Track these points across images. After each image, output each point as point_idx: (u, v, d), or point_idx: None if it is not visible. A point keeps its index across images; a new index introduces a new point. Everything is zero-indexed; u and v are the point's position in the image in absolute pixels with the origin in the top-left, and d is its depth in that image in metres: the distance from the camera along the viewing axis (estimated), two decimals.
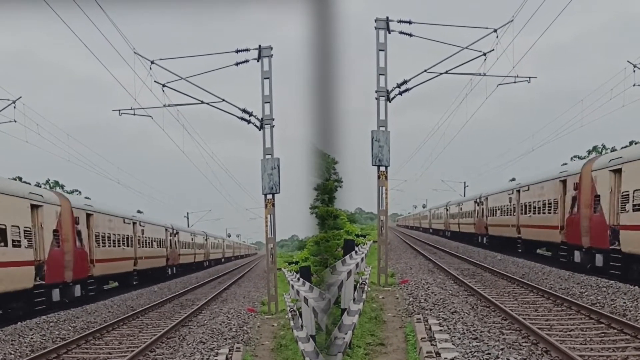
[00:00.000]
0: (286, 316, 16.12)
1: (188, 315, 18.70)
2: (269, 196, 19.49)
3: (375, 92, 20.89)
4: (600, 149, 56.96)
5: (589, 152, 58.02)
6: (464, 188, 72.20)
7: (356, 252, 25.08)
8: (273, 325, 16.68)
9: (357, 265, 19.05)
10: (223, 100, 20.18)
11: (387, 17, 20.50)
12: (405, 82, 21.29)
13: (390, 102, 21.11)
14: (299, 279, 21.09)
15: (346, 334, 10.42)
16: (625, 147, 36.72)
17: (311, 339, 10.72)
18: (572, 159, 55.85)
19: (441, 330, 11.85)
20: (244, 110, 19.97)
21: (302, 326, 12.15)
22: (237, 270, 48.39)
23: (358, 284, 17.05)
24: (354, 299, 13.88)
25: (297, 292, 16.20)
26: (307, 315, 12.18)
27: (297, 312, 14.11)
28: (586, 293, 16.77)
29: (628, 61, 23.24)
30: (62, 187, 61.94)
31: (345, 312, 12.21)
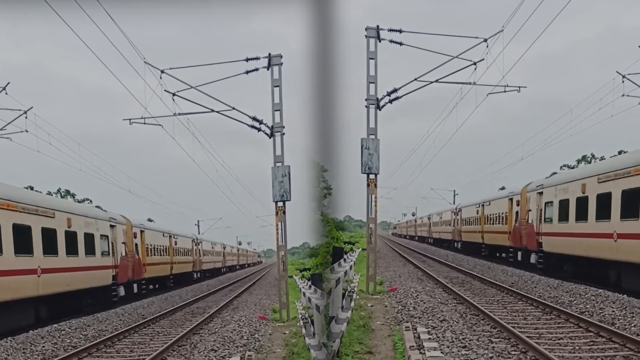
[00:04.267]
0: (298, 324, 16.05)
1: (199, 323, 18.57)
2: (280, 204, 19.51)
3: (365, 100, 20.93)
4: (589, 158, 57.32)
5: (579, 161, 58.40)
6: (454, 196, 72.34)
7: (345, 259, 25.00)
8: (285, 333, 16.56)
9: (345, 272, 18.97)
10: (233, 108, 20.22)
11: (378, 26, 20.59)
12: (395, 90, 21.34)
13: (380, 110, 21.15)
14: (310, 286, 21.01)
15: (334, 342, 10.33)
16: (614, 156, 35.74)
17: (323, 346, 10.61)
18: (561, 168, 56.21)
19: (430, 338, 11.78)
20: (254, 118, 19.98)
21: (314, 334, 12.06)
22: (248, 278, 48.11)
23: (347, 292, 16.97)
24: (342, 307, 13.79)
25: (309, 299, 16.11)
26: (319, 322, 12.09)
27: (308, 319, 14.03)
28: (575, 301, 16.78)
29: (617, 72, 23.40)
30: (73, 196, 61.78)
31: (334, 320, 12.12)
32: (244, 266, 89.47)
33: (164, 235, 38.32)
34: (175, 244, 41.05)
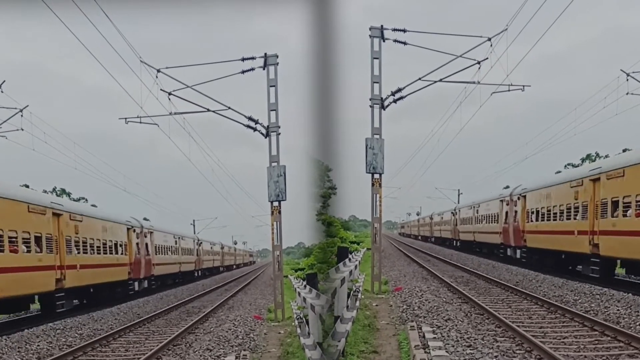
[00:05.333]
0: (293, 323, 16.12)
1: (195, 323, 18.65)
2: (275, 203, 19.55)
3: (370, 99, 20.93)
4: (593, 157, 57.19)
5: (583, 160, 58.26)
6: (458, 196, 72.23)
7: (349, 259, 25.05)
8: (280, 333, 16.61)
9: (350, 272, 19.02)
10: (229, 108, 20.30)
11: (382, 26, 20.60)
12: (399, 90, 21.35)
13: (384, 109, 21.17)
14: (305, 285, 21.07)
15: (339, 341, 10.37)
16: (619, 154, 31.52)
17: (318, 346, 10.65)
18: (565, 166, 56.12)
19: (435, 337, 11.80)
20: (250, 118, 20.03)
21: (308, 333, 12.11)
22: (243, 278, 47.98)
23: (351, 292, 17.02)
24: (347, 307, 13.83)
25: (304, 299, 16.17)
26: (314, 322, 12.14)
27: (303, 319, 14.07)
28: (580, 300, 16.77)
29: (621, 70, 23.36)
30: (69, 195, 62.03)
31: (339, 320, 12.16)
32: (231, 268, 76.51)
33: (42, 213, 20.69)
34: (76, 233, 23.76)
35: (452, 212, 53.15)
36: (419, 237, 78.87)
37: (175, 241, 43.15)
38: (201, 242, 54.58)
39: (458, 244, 50.31)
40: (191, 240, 49.98)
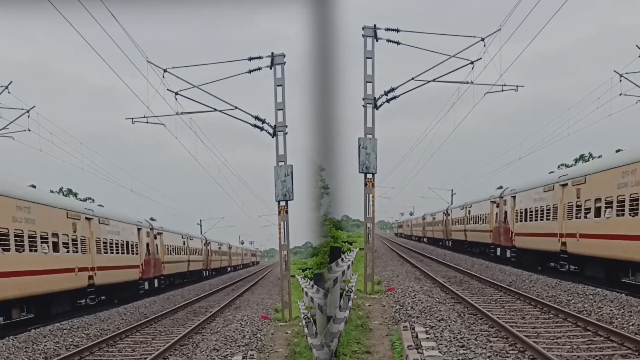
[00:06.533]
0: (300, 323, 16.05)
1: (201, 323, 18.60)
2: (282, 203, 19.50)
3: (363, 99, 20.87)
4: (587, 158, 57.35)
5: (576, 160, 58.42)
6: (452, 196, 72.26)
7: (342, 259, 24.97)
8: (287, 333, 16.55)
9: (343, 272, 18.94)
10: (236, 107, 20.22)
11: (375, 25, 20.56)
12: (392, 89, 21.31)
13: (377, 109, 21.11)
14: (312, 285, 20.98)
15: (332, 341, 10.30)
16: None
17: (325, 346, 10.58)
18: (559, 167, 56.22)
19: (428, 338, 11.75)
20: (257, 118, 19.95)
21: (316, 333, 12.03)
22: (250, 278, 47.79)
23: (344, 292, 16.94)
24: (340, 307, 13.76)
25: (311, 299, 16.08)
26: (321, 322, 12.07)
27: (311, 319, 14.00)
28: (573, 301, 16.76)
29: (614, 71, 23.36)
30: (75, 195, 61.66)
31: (331, 320, 12.08)
32: (224, 271, 61.20)
33: None
34: None
35: (492, 202, 36.05)
36: (424, 240, 63.22)
37: (67, 223, 22.70)
38: (160, 233, 37.14)
39: (510, 254, 31.40)
40: (134, 229, 31.57)
